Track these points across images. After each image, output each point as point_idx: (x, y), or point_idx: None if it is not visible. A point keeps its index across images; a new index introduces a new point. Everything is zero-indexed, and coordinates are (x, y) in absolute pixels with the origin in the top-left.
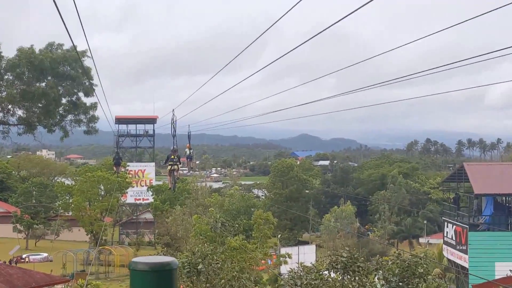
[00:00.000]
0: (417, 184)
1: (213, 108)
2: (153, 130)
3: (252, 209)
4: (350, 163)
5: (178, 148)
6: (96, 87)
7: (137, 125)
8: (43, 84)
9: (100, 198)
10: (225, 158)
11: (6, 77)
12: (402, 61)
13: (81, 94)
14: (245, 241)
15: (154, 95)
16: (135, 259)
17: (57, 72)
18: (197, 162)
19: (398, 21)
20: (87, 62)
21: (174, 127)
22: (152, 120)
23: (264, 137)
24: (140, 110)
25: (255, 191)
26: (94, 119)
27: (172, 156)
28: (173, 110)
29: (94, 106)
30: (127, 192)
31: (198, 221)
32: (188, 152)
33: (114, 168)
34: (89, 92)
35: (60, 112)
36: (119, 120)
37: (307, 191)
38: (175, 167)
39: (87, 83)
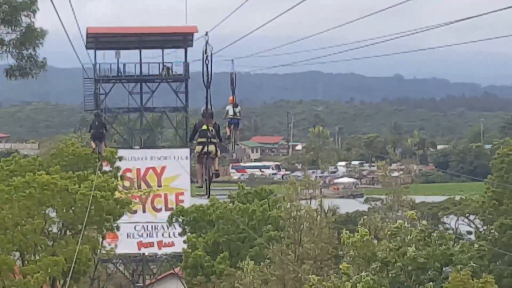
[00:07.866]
0: None
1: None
2: (186, 64)
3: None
4: None
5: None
6: None
7: (144, 50)
8: None
9: (51, 244)
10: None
11: None
12: None
13: None
14: None
15: None
16: None
17: None
18: (299, 148)
19: None
20: None
21: (208, 68)
22: (183, 39)
23: None
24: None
25: (447, 219)
26: (34, 34)
27: (204, 127)
28: (206, 32)
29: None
30: (118, 230)
31: None
32: (231, 112)
33: (93, 146)
34: None
35: None
36: (101, 42)
37: None
38: (211, 148)
39: None
